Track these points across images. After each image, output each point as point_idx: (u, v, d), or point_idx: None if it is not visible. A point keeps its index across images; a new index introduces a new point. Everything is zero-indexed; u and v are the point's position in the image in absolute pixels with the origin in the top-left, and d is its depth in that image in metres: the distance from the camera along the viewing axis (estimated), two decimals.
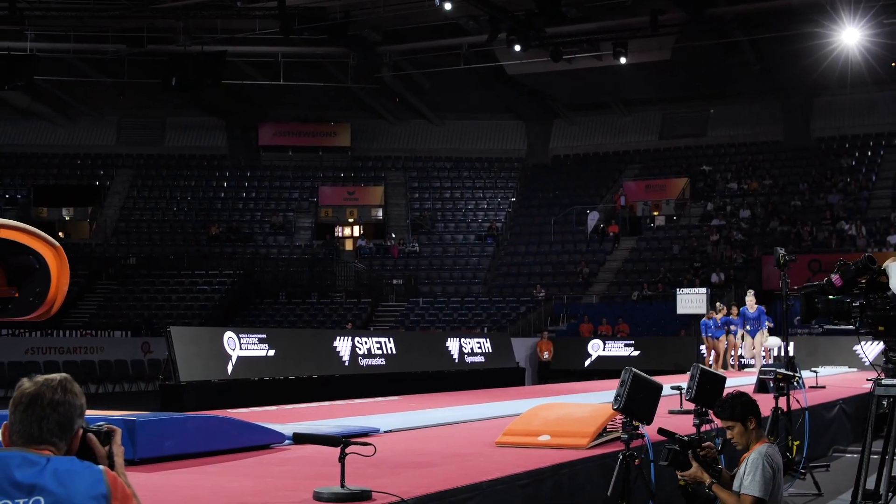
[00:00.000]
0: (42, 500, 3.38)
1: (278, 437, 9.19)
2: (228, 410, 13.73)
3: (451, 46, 33.15)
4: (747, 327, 22.64)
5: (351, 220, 43.77)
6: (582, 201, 41.32)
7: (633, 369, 7.70)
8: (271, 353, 20.02)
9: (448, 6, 27.49)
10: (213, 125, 45.08)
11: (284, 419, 12.05)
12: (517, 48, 30.90)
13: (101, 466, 3.56)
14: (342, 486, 6.27)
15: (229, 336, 19.52)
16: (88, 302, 37.20)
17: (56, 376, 3.66)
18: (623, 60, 32.48)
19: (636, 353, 30.38)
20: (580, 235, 40.39)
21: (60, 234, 43.19)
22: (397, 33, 33.47)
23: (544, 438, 9.22)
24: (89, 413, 8.54)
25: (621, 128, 44.54)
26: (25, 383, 3.60)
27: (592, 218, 40.24)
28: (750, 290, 23.89)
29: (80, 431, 3.63)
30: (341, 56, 34.88)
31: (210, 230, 41.74)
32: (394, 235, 42.28)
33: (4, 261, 8.61)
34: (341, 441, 6.28)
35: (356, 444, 6.30)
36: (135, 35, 33.21)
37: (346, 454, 6.25)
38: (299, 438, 7.15)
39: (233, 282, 37.93)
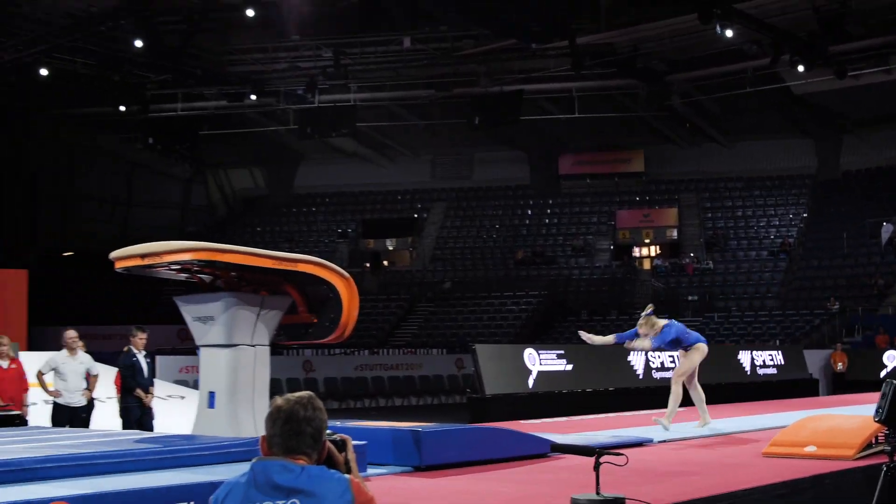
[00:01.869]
0: (298, 501, 3.55)
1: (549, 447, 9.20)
2: (529, 421, 13.87)
3: (736, 71, 32.30)
4: None
5: (647, 241, 43.30)
6: (875, 214, 39.19)
7: (895, 381, 7.24)
8: (569, 367, 19.98)
9: (729, 33, 26.82)
10: (517, 158, 45.70)
11: (570, 429, 12.08)
12: (801, 68, 29.79)
13: (347, 476, 3.69)
14: (597, 493, 6.22)
15: (529, 352, 19.61)
16: (410, 323, 38.39)
17: (304, 394, 3.84)
18: None
19: None
20: (874, 248, 38.30)
21: (385, 262, 44.88)
22: (683, 62, 32.95)
23: (810, 449, 8.86)
24: (386, 424, 8.80)
25: None
26: (279, 401, 3.78)
27: (887, 230, 38.08)
28: None
29: (326, 442, 3.77)
30: (631, 87, 34.64)
31: (516, 255, 42.28)
32: (692, 255, 41.49)
33: (305, 291, 9.10)
34: (595, 451, 6.24)
35: (610, 454, 6.25)
36: (442, 80, 34.13)
37: (601, 463, 6.20)
38: (556, 448, 7.14)
39: (538, 302, 38.22)
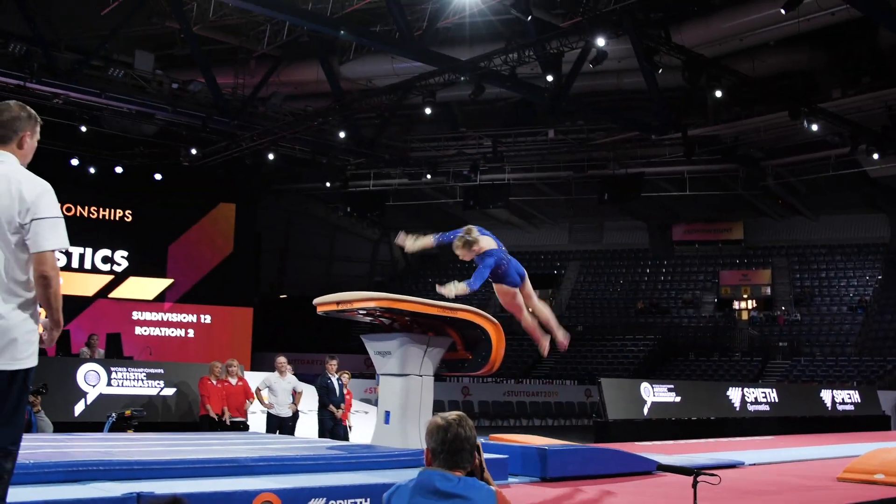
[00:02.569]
0: None
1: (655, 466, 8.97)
2: (643, 443, 13.58)
3: (821, 157, 31.27)
4: None
5: (745, 296, 41.93)
6: None
7: None
8: (678, 399, 19.59)
9: (815, 127, 26.02)
10: (638, 227, 45.00)
11: (676, 451, 11.77)
12: (876, 156, 28.69)
13: (494, 488, 3.69)
14: None
15: (645, 386, 19.32)
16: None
17: (459, 414, 3.85)
18: None
19: None
20: None
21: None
22: (776, 150, 32.05)
23: (879, 477, 8.41)
24: (518, 441, 8.68)
25: None
26: (440, 420, 3.81)
27: None
28: None
29: (477, 456, 3.79)
30: (733, 170, 33.79)
31: (637, 305, 41.56)
32: (783, 308, 40.06)
33: (462, 333, 9.15)
34: (693, 471, 6.09)
35: (706, 474, 6.07)
36: (578, 164, 34.00)
37: (698, 482, 6.04)
38: (661, 467, 6.97)
39: (653, 344, 37.48)
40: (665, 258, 44.50)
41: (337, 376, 14.68)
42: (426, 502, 3.64)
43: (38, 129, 4.60)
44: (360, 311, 8.87)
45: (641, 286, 43.50)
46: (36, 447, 6.51)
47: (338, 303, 8.81)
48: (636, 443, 13.34)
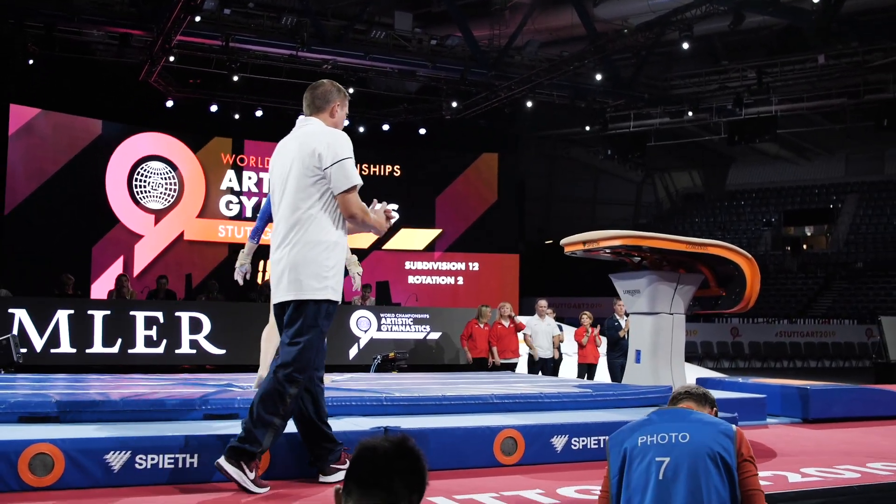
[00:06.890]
0: (688, 434, 3.45)
1: None
2: None
3: None
4: None
5: None
6: None
7: None
8: None
9: None
10: None
11: None
12: None
13: (733, 426, 3.61)
14: None
15: None
16: (825, 297, 35.82)
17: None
18: None
19: None
20: None
21: (804, 245, 42.19)
22: None
23: None
24: (778, 382, 8.25)
25: None
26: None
27: None
28: None
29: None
30: None
31: None
32: None
33: (714, 269, 8.73)
34: None
35: None
36: (853, 89, 31.38)
37: None
38: None
39: None
40: None
41: (626, 317, 14.57)
42: (656, 432, 3.53)
43: (346, 101, 5.20)
44: (607, 251, 8.68)
45: None
46: None
47: (584, 242, 8.67)
48: None
